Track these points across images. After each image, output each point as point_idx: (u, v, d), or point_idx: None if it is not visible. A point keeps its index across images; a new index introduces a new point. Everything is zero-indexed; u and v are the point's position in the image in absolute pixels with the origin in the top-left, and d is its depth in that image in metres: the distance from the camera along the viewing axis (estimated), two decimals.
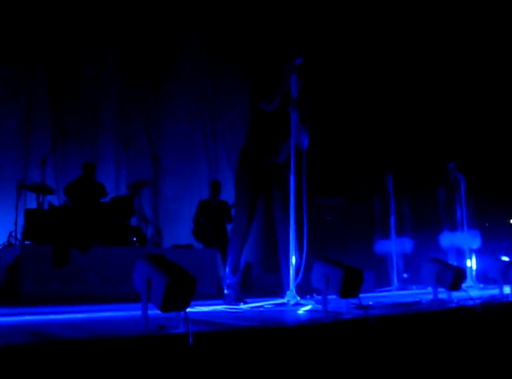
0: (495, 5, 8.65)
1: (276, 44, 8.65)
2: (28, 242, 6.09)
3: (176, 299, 2.23)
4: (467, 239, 7.69)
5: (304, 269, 3.90)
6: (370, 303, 3.56)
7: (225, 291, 4.27)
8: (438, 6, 9.08)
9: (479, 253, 7.86)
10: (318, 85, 4.11)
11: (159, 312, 2.28)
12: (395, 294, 6.59)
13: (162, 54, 9.44)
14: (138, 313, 2.35)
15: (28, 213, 6.52)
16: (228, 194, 8.51)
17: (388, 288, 7.45)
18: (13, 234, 6.72)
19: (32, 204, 6.90)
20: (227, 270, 4.33)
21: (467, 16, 8.94)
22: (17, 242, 6.55)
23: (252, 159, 4.33)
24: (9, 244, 6.64)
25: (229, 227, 8.14)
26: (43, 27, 8.26)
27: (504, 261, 4.62)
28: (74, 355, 1.87)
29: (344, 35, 9.16)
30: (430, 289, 4.95)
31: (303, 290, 4.25)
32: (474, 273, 7.56)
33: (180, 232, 8.86)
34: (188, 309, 2.27)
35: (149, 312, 2.32)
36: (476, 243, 7.78)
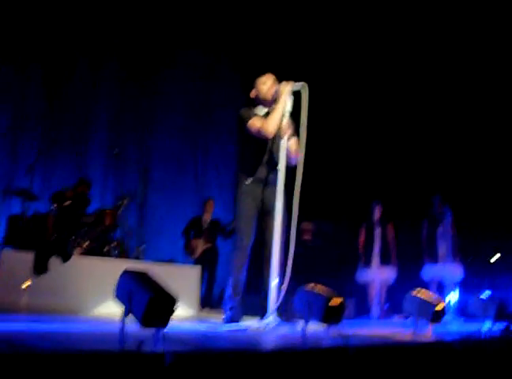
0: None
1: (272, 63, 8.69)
2: (9, 248, 6.03)
3: (157, 316, 2.22)
4: (449, 272, 7.71)
5: (287, 294, 3.88)
6: (351, 331, 3.54)
7: (226, 313, 4.17)
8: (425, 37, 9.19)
9: (460, 288, 7.88)
10: (310, 110, 4.13)
11: (137, 329, 2.25)
12: (375, 323, 6.58)
13: (154, 67, 9.45)
14: (115, 327, 2.32)
15: (12, 219, 6.47)
16: (216, 211, 8.52)
17: (368, 317, 7.44)
18: None
19: (17, 210, 6.84)
20: (228, 292, 4.26)
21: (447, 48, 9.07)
22: None
23: (250, 183, 4.33)
24: None
25: (221, 245, 8.17)
26: (38, 32, 8.24)
27: (485, 296, 4.63)
28: (46, 367, 1.83)
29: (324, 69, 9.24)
30: (410, 319, 4.95)
31: (288, 315, 4.23)
32: (455, 307, 7.57)
33: (163, 246, 8.82)
34: (167, 328, 2.25)
35: (127, 328, 2.29)
36: (458, 277, 7.80)
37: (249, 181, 4.33)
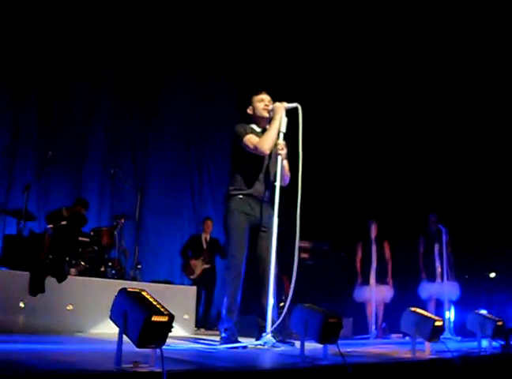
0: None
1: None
2: (4, 268, 5.99)
3: (153, 335, 2.20)
4: (446, 290, 7.70)
5: (286, 313, 3.86)
6: (349, 350, 3.53)
7: (222, 335, 4.13)
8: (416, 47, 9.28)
9: (457, 305, 7.86)
10: (305, 130, 4.16)
11: (134, 348, 2.24)
12: (373, 342, 6.55)
13: (150, 87, 9.49)
14: (112, 347, 2.31)
15: (7, 239, 6.44)
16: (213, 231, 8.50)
17: (366, 336, 7.40)
18: None
19: (12, 230, 6.81)
20: (223, 312, 4.22)
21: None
22: None
23: (242, 198, 4.34)
24: None
25: (219, 265, 8.14)
26: (35, 52, 8.28)
27: (482, 314, 4.62)
28: None
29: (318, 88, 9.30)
30: (408, 339, 4.94)
31: (284, 334, 4.21)
32: (452, 325, 7.55)
33: (159, 267, 8.79)
34: (164, 347, 2.24)
35: (124, 347, 2.27)
36: (455, 295, 7.79)
37: (242, 196, 4.33)
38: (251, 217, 4.32)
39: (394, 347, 4.08)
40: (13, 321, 5.11)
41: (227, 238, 4.35)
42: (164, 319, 2.24)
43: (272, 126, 4.26)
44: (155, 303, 2.30)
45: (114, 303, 2.34)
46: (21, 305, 5.26)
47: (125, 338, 2.27)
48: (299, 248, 7.91)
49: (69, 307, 5.50)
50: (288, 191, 4.29)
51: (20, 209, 6.71)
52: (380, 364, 3.08)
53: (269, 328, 3.91)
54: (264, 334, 3.91)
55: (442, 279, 7.69)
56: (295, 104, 4.25)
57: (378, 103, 9.51)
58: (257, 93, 4.51)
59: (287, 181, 4.40)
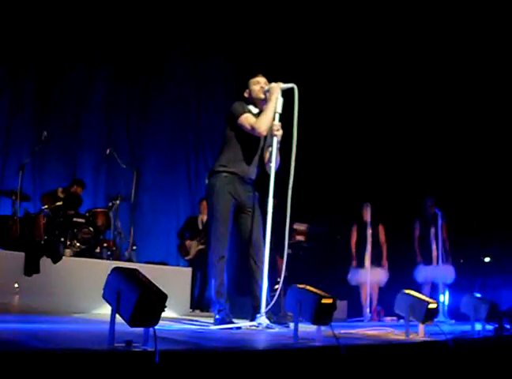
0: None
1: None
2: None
3: (146, 315, 2.19)
4: (441, 274, 7.72)
5: (280, 294, 3.87)
6: (342, 332, 3.53)
7: (216, 316, 4.13)
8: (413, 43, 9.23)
9: (452, 289, 7.89)
10: (301, 111, 4.14)
11: (128, 328, 2.22)
12: (367, 324, 6.57)
13: (147, 68, 9.42)
14: (106, 327, 2.30)
15: (2, 219, 6.42)
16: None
17: (360, 318, 7.43)
18: None
19: (7, 211, 6.79)
20: (212, 295, 4.22)
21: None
22: None
23: (227, 176, 4.31)
24: None
25: None
26: (30, 32, 8.20)
27: (476, 297, 4.63)
28: (37, 366, 1.81)
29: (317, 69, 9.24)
30: (402, 321, 4.95)
31: (279, 316, 4.21)
32: (446, 308, 7.59)
33: (154, 249, 8.78)
34: (157, 327, 2.22)
35: (117, 328, 2.26)
36: (450, 278, 7.81)
37: (226, 174, 4.30)
38: (235, 197, 4.30)
39: (388, 330, 4.09)
40: (7, 302, 5.11)
41: (211, 220, 4.33)
42: (157, 298, 2.23)
43: (268, 107, 4.24)
44: (148, 282, 2.28)
45: (107, 282, 2.33)
46: (15, 285, 5.26)
47: (118, 318, 2.26)
48: (295, 231, 7.93)
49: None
50: (282, 173, 4.26)
51: (15, 189, 6.69)
52: (373, 345, 3.08)
53: (263, 309, 3.91)
54: (258, 315, 3.91)
55: (438, 263, 7.72)
56: (291, 85, 4.22)
57: (375, 84, 9.46)
58: (254, 76, 4.49)
59: (277, 166, 4.37)
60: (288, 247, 4.06)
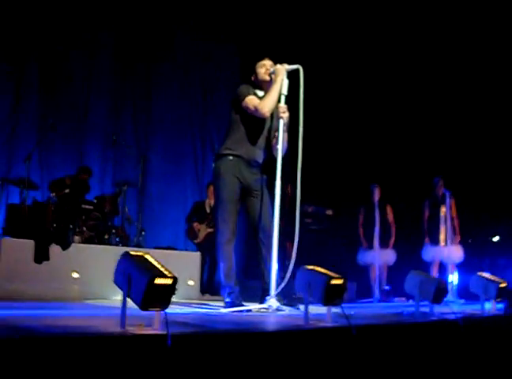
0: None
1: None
2: (8, 237, 6.01)
3: (157, 298, 2.20)
4: (450, 254, 7.71)
5: (290, 277, 3.87)
6: (353, 312, 3.54)
7: (226, 299, 4.14)
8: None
9: (461, 269, 7.89)
10: (307, 94, 4.11)
11: (139, 312, 2.24)
12: (377, 305, 6.59)
13: (152, 54, 9.37)
14: (117, 312, 2.31)
15: (11, 208, 6.44)
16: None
17: (369, 299, 7.45)
18: None
19: (15, 199, 6.81)
20: (221, 278, 4.22)
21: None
22: None
23: (233, 159, 4.30)
24: None
25: None
26: (33, 23, 8.16)
27: (485, 277, 4.63)
28: (49, 351, 1.82)
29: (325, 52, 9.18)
30: (411, 302, 4.96)
31: (289, 298, 4.22)
32: (455, 288, 7.58)
33: (163, 234, 8.80)
34: (167, 311, 2.24)
35: (129, 312, 2.27)
36: (458, 258, 7.80)
37: (232, 157, 4.28)
38: (241, 180, 4.28)
39: (398, 310, 4.10)
40: (17, 289, 5.14)
41: (217, 203, 4.33)
42: (168, 281, 2.23)
43: (273, 88, 4.21)
44: (158, 266, 2.29)
45: (118, 267, 2.34)
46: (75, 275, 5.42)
47: (130, 302, 2.27)
48: (303, 213, 7.90)
49: (75, 275, 5.54)
50: (290, 155, 4.25)
51: (23, 178, 6.71)
52: (384, 325, 3.09)
53: (272, 291, 3.92)
54: (268, 297, 3.92)
55: (446, 243, 7.70)
56: (296, 66, 4.19)
57: (382, 65, 9.38)
58: (260, 60, 4.47)
59: (284, 151, 4.34)
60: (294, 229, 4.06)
